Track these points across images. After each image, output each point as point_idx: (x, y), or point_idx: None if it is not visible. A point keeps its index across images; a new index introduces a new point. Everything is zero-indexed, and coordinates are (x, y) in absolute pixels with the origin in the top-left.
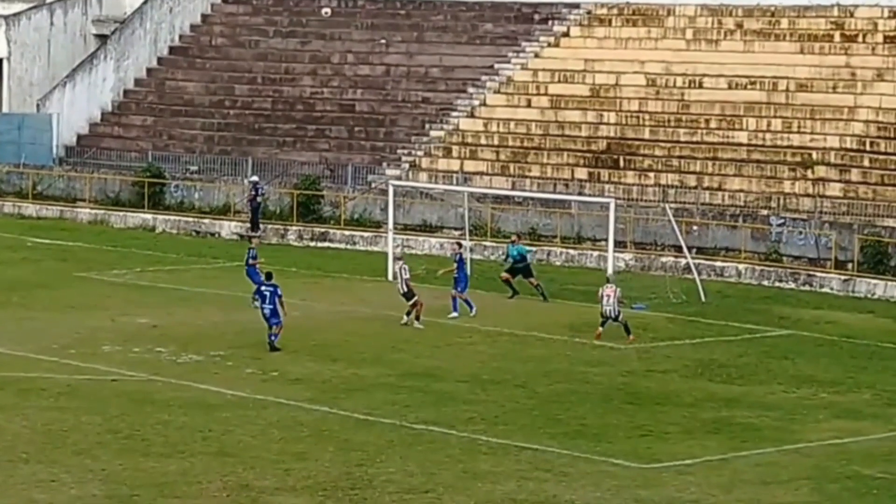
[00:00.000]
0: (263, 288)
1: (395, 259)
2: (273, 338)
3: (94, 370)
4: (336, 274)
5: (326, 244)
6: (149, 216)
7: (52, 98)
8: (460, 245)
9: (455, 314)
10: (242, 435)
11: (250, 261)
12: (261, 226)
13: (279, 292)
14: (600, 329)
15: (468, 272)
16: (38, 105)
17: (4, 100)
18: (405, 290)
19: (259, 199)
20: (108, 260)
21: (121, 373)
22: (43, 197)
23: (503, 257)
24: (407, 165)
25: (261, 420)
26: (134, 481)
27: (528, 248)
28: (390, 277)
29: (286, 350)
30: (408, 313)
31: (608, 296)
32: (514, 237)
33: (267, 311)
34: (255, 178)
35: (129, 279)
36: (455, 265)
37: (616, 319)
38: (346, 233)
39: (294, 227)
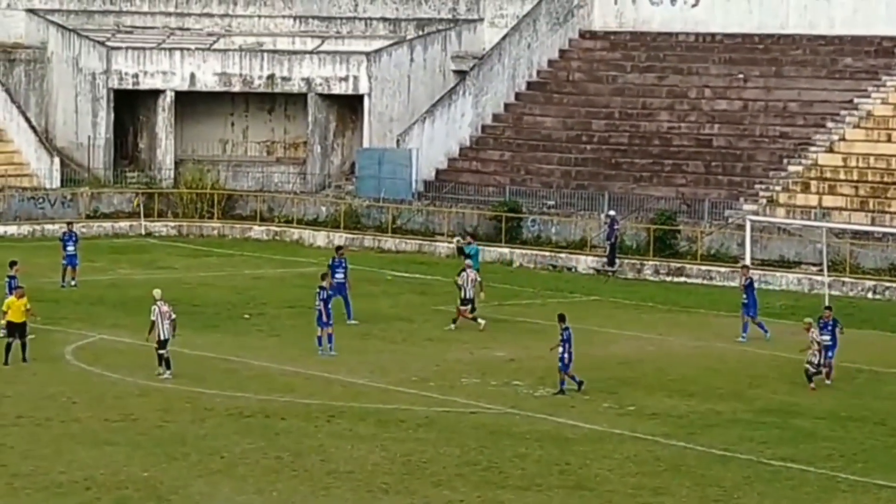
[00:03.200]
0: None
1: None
2: None
3: (452, 402)
4: (693, 309)
5: (682, 279)
6: (506, 250)
7: (412, 133)
8: (747, 269)
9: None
10: (599, 469)
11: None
12: (617, 260)
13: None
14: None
15: (755, 297)
16: (397, 140)
17: (365, 135)
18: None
19: (616, 233)
20: None
21: (479, 405)
22: (402, 231)
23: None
24: (764, 200)
25: (617, 454)
26: None
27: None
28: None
29: (641, 385)
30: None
31: (473, 280)
32: (468, 237)
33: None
34: (612, 213)
35: (486, 312)
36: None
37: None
38: (703, 268)
39: (650, 262)
